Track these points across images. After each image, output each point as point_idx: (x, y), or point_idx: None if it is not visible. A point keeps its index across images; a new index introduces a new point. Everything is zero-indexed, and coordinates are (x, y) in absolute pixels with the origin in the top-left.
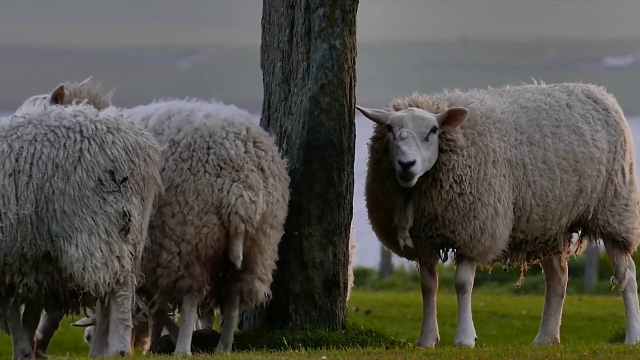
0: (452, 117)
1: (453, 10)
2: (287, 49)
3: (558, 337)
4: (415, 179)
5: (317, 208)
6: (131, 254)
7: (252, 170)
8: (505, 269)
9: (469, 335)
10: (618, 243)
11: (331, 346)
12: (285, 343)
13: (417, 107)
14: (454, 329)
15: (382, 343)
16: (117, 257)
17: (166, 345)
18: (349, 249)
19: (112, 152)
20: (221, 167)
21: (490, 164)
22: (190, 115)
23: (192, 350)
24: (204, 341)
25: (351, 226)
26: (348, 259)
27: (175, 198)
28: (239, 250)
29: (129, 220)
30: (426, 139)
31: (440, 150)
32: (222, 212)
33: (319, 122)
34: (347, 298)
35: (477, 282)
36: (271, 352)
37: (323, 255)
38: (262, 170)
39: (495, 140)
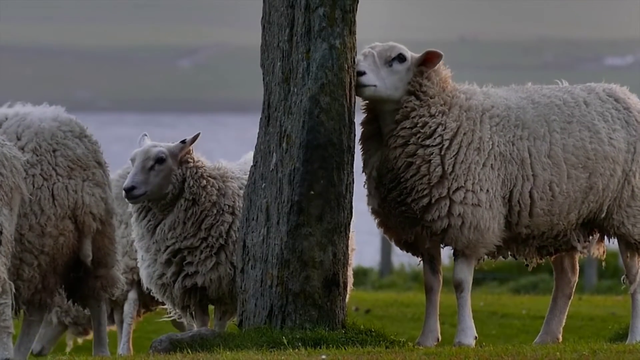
0: (428, 60)
1: (453, 10)
2: (287, 48)
3: (560, 337)
4: (368, 92)
5: (317, 208)
6: (5, 264)
7: (95, 167)
8: (526, 265)
9: (469, 335)
10: (631, 245)
11: (331, 346)
12: (285, 342)
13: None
14: (454, 328)
15: (381, 342)
16: None
17: (167, 345)
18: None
19: None
20: (71, 168)
21: (473, 150)
22: (23, 120)
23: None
24: (203, 341)
25: (351, 228)
26: (348, 258)
27: (31, 208)
28: (89, 249)
29: (1, 232)
30: (389, 65)
31: (407, 92)
32: (78, 213)
33: (319, 121)
34: (347, 298)
35: (477, 282)
36: (271, 351)
37: (323, 255)
38: (100, 163)
39: (485, 130)
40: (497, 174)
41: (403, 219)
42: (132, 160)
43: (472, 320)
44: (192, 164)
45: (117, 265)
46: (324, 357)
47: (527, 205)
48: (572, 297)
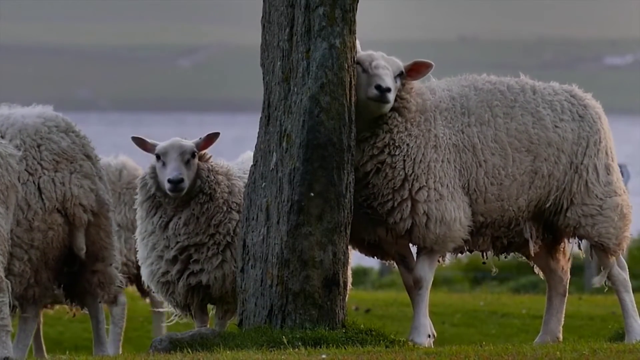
0: (414, 70)
1: (452, 9)
2: (287, 47)
3: (560, 336)
4: (384, 109)
5: (317, 207)
6: (1, 262)
7: (82, 159)
8: (484, 262)
9: (422, 333)
10: (594, 246)
11: (331, 345)
12: (285, 342)
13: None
14: (455, 327)
15: (381, 342)
16: None
17: (167, 344)
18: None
19: None
20: (57, 161)
21: (431, 148)
22: (7, 119)
23: None
24: (203, 340)
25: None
26: (348, 258)
27: (18, 204)
28: (82, 242)
29: None
30: (395, 81)
31: (392, 108)
32: (67, 205)
33: (319, 121)
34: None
35: (477, 281)
36: (271, 351)
37: (323, 255)
38: (88, 156)
39: (439, 126)
40: (454, 166)
41: (366, 220)
42: (163, 154)
43: (428, 319)
44: (208, 159)
45: (115, 261)
46: (324, 356)
47: (482, 192)
48: (567, 295)
